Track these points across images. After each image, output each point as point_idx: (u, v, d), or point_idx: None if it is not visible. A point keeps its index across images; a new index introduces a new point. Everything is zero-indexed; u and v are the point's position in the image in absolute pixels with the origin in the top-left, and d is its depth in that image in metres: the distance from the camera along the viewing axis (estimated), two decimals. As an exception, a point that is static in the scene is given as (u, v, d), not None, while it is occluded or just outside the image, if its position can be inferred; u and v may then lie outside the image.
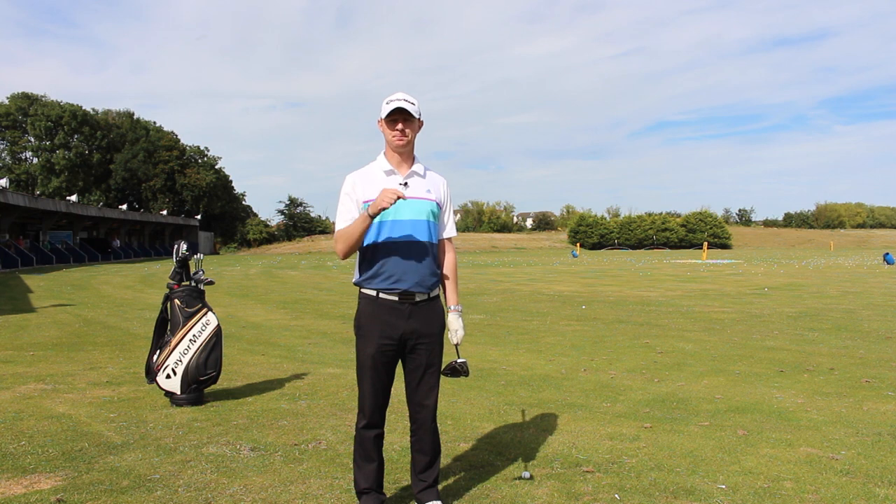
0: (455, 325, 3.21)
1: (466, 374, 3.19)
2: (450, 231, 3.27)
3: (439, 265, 3.22)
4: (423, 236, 3.08)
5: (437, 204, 3.17)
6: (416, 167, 3.16)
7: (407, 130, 3.06)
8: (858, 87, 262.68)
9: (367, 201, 3.05)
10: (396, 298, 3.05)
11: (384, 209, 2.90)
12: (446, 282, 3.27)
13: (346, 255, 3.11)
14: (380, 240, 3.05)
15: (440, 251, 3.24)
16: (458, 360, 3.16)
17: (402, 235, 3.04)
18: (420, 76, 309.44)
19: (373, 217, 2.95)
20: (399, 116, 3.04)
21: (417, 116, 3.08)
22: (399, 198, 2.88)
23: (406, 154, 3.13)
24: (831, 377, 6.29)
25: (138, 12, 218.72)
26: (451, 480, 3.63)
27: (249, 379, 6.31)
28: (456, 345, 3.22)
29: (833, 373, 6.50)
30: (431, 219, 3.12)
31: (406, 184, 3.10)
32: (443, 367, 3.20)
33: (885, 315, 11.32)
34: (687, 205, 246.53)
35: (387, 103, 3.05)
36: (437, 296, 3.22)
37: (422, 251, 3.07)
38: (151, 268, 34.45)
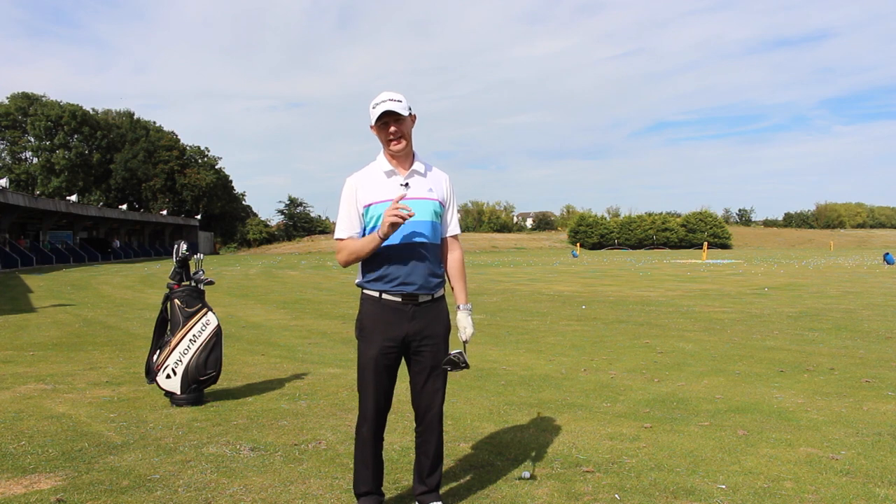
0: (464, 324, 3.14)
1: (466, 365, 3.07)
2: (454, 229, 3.20)
3: (443, 264, 3.17)
4: (427, 237, 3.03)
5: (440, 203, 3.11)
6: (417, 166, 3.09)
7: (401, 131, 2.98)
8: (858, 88, 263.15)
9: (368, 205, 3.01)
10: (400, 299, 3.02)
11: (394, 224, 2.85)
12: (454, 280, 3.20)
13: (348, 265, 3.09)
14: (382, 243, 2.98)
15: (444, 250, 3.19)
16: (454, 352, 3.06)
17: (405, 237, 2.98)
18: (421, 77, 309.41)
19: (383, 239, 2.90)
20: (389, 119, 2.97)
21: (407, 114, 2.99)
22: (400, 215, 2.82)
23: (405, 154, 3.06)
24: (831, 377, 6.29)
25: (140, 13, 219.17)
26: (451, 480, 3.63)
27: (249, 379, 6.31)
28: (464, 342, 3.15)
29: (833, 373, 6.50)
30: (435, 218, 3.07)
31: (407, 184, 3.04)
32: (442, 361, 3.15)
33: (885, 315, 11.32)
34: (687, 205, 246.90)
35: (373, 107, 2.97)
36: (442, 296, 3.17)
37: (426, 252, 3.02)
38: (151, 268, 34.45)
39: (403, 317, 3.02)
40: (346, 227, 3.05)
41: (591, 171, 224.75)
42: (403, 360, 3.17)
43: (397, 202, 2.88)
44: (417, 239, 3.00)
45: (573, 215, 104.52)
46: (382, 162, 3.08)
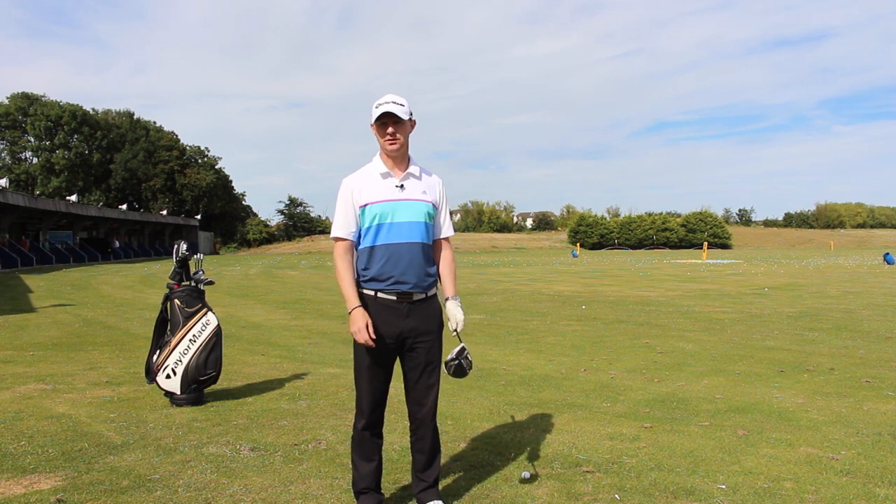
0: (454, 312, 3.18)
1: (469, 366, 3.20)
2: (447, 231, 3.29)
3: (435, 265, 3.24)
4: (420, 238, 3.11)
5: (433, 205, 3.19)
6: (412, 169, 3.18)
7: (398, 133, 3.07)
8: (858, 88, 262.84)
9: (364, 205, 3.08)
10: (395, 298, 3.08)
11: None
12: (444, 278, 3.27)
13: None
14: (378, 242, 3.08)
15: (436, 251, 3.26)
16: (454, 352, 3.17)
17: (399, 238, 3.07)
18: (421, 77, 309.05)
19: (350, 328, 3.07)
20: (388, 120, 3.05)
21: (407, 118, 3.08)
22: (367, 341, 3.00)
23: (401, 156, 3.15)
24: (831, 377, 6.29)
25: (140, 13, 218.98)
26: (451, 480, 3.63)
27: (249, 379, 6.31)
28: (456, 332, 3.20)
29: (833, 373, 6.49)
30: (428, 220, 3.15)
31: (402, 186, 3.12)
32: (444, 366, 3.21)
33: (885, 315, 11.32)
34: (687, 205, 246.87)
35: (376, 107, 3.06)
36: (435, 294, 3.24)
37: (419, 253, 3.10)
38: (151, 268, 34.46)
39: (398, 314, 3.09)
40: (343, 227, 3.13)
41: (591, 171, 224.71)
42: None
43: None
44: (412, 240, 3.09)
45: (573, 215, 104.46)
46: (378, 164, 3.17)
